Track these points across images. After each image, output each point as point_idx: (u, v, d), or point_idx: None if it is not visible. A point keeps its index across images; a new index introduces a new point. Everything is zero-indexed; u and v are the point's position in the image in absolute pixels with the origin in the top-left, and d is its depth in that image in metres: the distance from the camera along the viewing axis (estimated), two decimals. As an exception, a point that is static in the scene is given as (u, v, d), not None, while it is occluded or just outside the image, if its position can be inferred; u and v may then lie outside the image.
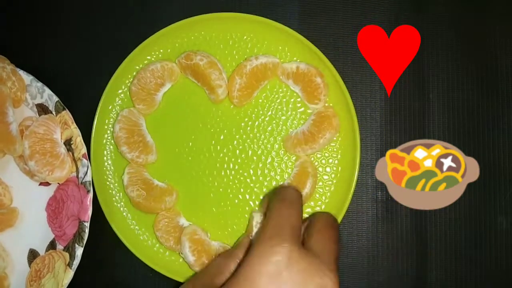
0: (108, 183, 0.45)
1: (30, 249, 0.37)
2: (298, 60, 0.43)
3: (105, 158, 0.45)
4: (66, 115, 0.37)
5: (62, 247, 0.35)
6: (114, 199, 0.45)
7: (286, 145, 0.43)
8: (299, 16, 0.43)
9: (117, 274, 0.46)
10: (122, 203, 0.45)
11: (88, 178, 0.35)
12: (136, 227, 0.45)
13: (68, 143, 0.37)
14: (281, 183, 0.43)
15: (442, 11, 0.44)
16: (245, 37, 0.44)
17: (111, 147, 0.45)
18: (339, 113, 0.42)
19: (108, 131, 0.45)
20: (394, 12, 0.44)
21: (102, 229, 0.45)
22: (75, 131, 0.36)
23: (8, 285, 0.36)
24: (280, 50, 0.44)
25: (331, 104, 0.42)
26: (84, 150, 0.36)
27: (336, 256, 0.30)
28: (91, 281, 0.46)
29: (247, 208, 0.44)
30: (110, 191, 0.45)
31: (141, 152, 0.43)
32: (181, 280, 0.42)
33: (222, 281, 0.32)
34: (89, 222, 0.34)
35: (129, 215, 0.45)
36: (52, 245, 0.36)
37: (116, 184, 0.45)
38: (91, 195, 0.35)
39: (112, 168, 0.45)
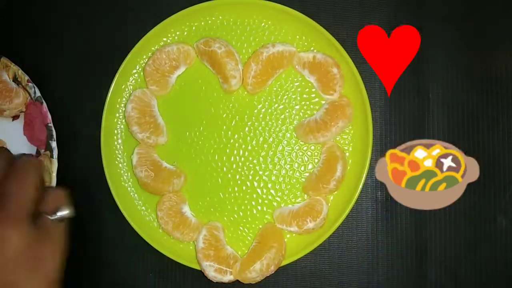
0: (117, 162, 0.45)
1: None
2: (315, 50, 0.43)
3: (115, 137, 0.45)
4: (4, 60, 0.45)
5: (43, 150, 0.45)
6: (122, 178, 0.44)
7: (298, 132, 0.43)
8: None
9: (117, 274, 0.45)
10: (130, 183, 0.45)
11: (38, 94, 0.44)
12: (143, 207, 0.44)
13: (15, 79, 0.45)
14: (290, 172, 0.43)
15: (442, 11, 0.44)
16: (263, 24, 0.44)
17: (122, 126, 0.45)
18: (353, 104, 0.42)
19: (120, 111, 0.45)
20: (394, 12, 0.44)
21: (101, 229, 0.45)
22: (15, 68, 0.45)
23: None
24: (298, 39, 0.43)
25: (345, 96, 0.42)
26: (26, 77, 0.45)
27: (26, 204, 0.27)
28: (91, 281, 0.46)
29: (254, 195, 0.44)
30: (119, 170, 0.45)
31: (151, 133, 0.43)
32: (183, 262, 0.42)
33: None
34: (51, 123, 0.44)
35: (136, 195, 0.45)
36: (38, 153, 0.46)
37: (125, 164, 0.45)
38: (44, 104, 0.44)
39: (121, 147, 0.45)
